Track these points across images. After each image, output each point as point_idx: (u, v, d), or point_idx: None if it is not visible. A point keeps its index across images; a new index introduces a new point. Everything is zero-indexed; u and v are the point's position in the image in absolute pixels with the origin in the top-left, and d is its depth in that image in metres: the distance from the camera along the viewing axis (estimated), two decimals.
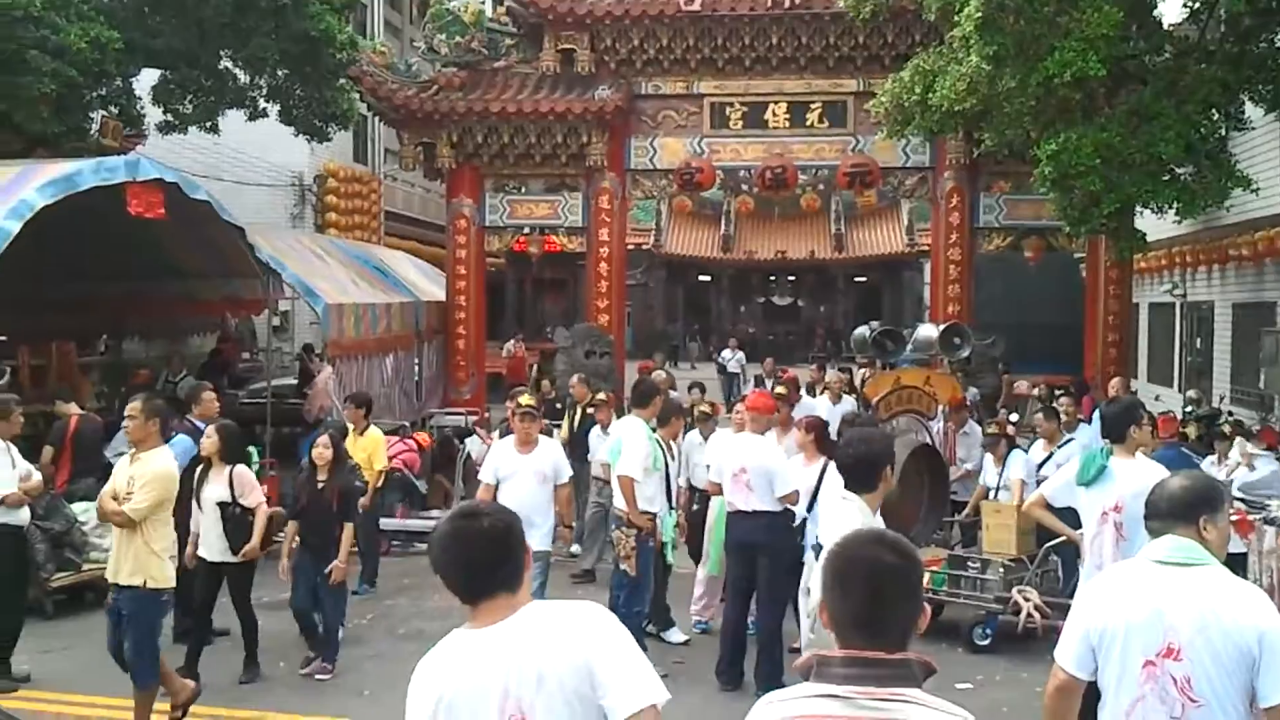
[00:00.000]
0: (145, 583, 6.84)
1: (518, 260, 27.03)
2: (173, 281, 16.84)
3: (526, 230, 17.75)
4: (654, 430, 8.71)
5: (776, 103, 16.99)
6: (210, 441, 8.26)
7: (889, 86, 13.38)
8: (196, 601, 8.30)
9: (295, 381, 17.66)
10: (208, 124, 18.12)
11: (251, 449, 12.44)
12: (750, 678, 8.04)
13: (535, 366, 20.79)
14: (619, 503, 8.47)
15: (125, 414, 7.10)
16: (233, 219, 13.75)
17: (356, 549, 9.70)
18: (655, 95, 17.24)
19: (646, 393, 8.99)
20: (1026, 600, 8.38)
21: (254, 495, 8.15)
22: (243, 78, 17.97)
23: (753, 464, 8.03)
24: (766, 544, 8.00)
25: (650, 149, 17.26)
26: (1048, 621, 8.02)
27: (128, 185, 11.78)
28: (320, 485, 8.51)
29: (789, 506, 8.02)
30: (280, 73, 17.91)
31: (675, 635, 9.33)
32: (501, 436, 9.96)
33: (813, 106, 16.96)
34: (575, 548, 11.64)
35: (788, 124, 16.98)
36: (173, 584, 7.07)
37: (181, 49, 16.55)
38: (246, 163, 23.40)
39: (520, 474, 8.57)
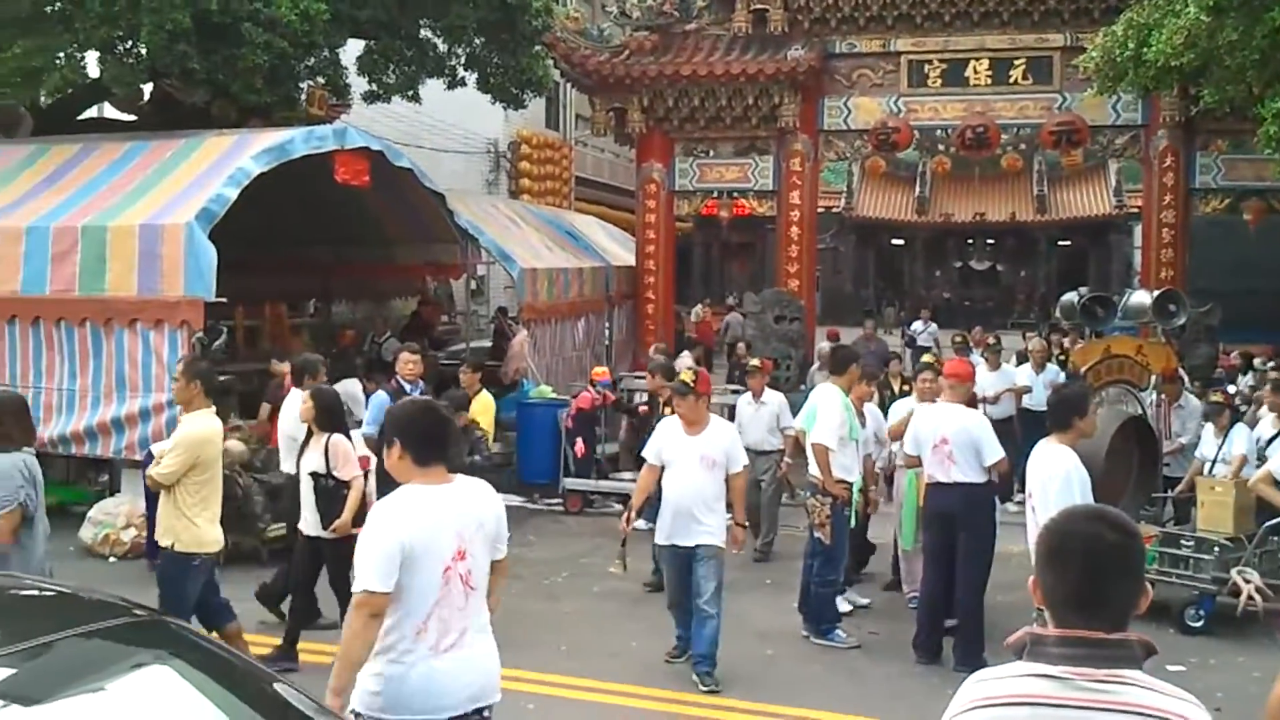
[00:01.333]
0: (173, 545, 6.67)
1: (705, 224, 26.95)
2: (375, 246, 17.52)
3: (716, 194, 17.67)
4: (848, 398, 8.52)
5: (978, 59, 16.39)
6: (305, 407, 7.72)
7: (1100, 41, 12.75)
8: (296, 579, 7.85)
9: (490, 344, 18.12)
10: (409, 92, 18.64)
11: None
12: (949, 651, 7.87)
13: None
14: (814, 470, 8.33)
15: (172, 377, 6.87)
16: (434, 185, 14.14)
17: None
18: (850, 54, 16.86)
19: (843, 360, 8.77)
20: (1247, 582, 7.94)
21: (349, 468, 7.54)
22: (441, 46, 18.38)
23: (954, 433, 7.81)
24: (965, 516, 7.79)
25: (844, 109, 16.91)
26: (1270, 605, 7.59)
27: (335, 153, 12.25)
28: None
29: (992, 477, 7.78)
30: (477, 41, 18.25)
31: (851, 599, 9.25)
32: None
33: (1016, 63, 16.31)
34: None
35: (989, 81, 16.38)
36: (207, 550, 6.74)
37: (384, 19, 17.02)
38: (443, 130, 24.02)
39: (686, 459, 7.46)
